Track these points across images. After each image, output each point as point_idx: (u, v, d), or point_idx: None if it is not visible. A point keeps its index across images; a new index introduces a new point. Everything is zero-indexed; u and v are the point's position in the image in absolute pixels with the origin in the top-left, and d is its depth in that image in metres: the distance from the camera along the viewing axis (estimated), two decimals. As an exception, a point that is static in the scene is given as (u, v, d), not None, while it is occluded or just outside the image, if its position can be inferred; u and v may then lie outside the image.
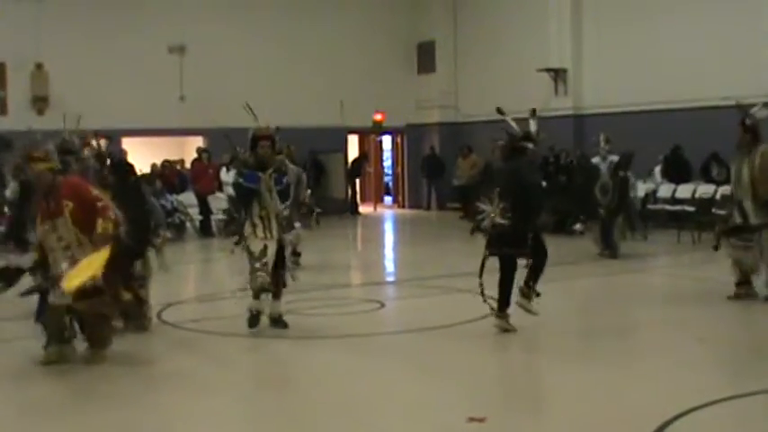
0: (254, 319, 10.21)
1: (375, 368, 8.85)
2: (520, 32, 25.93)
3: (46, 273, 8.70)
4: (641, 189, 20.08)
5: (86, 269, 8.31)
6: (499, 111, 10.41)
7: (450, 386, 8.10)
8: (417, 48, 29.25)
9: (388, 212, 29.57)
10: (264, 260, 9.95)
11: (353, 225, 26.11)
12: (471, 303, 10.34)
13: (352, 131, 28.88)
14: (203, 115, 24.59)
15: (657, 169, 21.20)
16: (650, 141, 20.58)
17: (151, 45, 24.74)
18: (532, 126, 10.24)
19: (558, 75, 24.57)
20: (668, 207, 20.34)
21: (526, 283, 9.95)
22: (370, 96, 27.28)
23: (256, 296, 10.14)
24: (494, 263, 9.94)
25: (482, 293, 9.86)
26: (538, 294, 9.93)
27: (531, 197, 9.91)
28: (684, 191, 20.25)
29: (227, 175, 22.88)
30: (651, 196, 20.96)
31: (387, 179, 32.13)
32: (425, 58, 29.06)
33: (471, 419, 6.83)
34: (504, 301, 9.94)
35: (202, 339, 10.15)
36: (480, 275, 9.85)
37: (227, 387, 8.24)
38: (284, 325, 10.23)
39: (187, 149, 25.46)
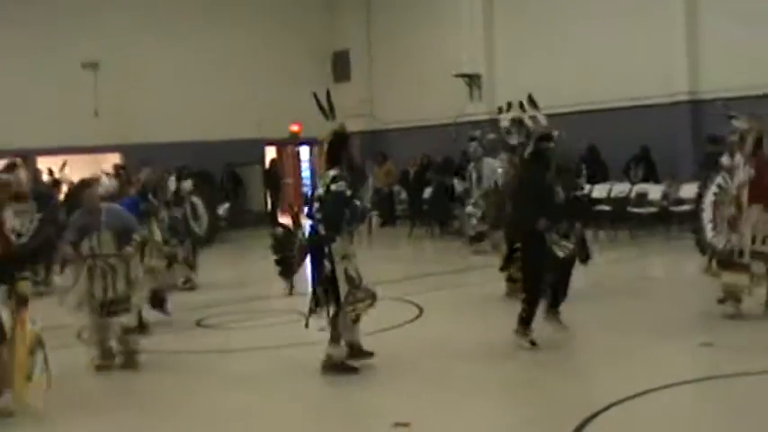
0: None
1: (296, 378, 8.82)
2: (433, 39, 26.05)
3: None
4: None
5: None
6: (531, 99, 10.08)
7: (375, 392, 8.15)
8: (333, 57, 29.31)
9: (307, 223, 29.37)
10: (365, 283, 8.75)
11: (274, 236, 25.91)
12: (394, 310, 10.37)
13: (270, 143, 28.79)
14: (119, 131, 24.32)
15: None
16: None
17: (64, 61, 24.33)
18: (541, 119, 9.90)
19: (472, 80, 24.78)
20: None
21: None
22: (287, 107, 27.09)
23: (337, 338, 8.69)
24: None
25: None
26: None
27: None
28: (601, 190, 20.47)
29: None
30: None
31: (305, 190, 31.99)
32: (341, 66, 29.08)
33: (396, 424, 6.88)
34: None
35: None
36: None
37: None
38: (370, 354, 8.98)
39: (104, 167, 25.04)
